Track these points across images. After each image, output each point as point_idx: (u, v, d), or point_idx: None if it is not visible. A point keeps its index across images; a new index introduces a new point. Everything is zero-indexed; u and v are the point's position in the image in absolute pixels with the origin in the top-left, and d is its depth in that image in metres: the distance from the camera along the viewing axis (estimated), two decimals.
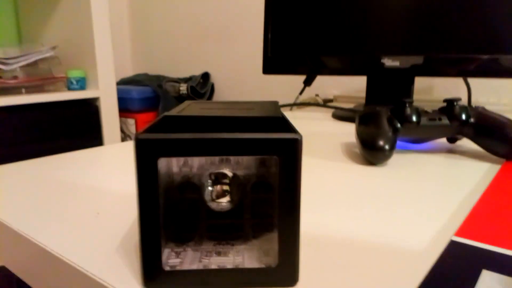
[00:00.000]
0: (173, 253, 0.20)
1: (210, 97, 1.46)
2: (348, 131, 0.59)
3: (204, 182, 0.22)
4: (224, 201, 0.22)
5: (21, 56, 1.01)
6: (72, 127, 1.08)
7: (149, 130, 0.18)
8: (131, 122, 1.23)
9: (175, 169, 0.24)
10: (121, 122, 1.23)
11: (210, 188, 0.22)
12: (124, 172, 0.37)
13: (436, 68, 0.64)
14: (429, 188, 0.33)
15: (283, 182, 0.18)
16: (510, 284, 0.18)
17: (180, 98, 1.35)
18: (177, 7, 1.56)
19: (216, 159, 0.24)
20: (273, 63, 0.76)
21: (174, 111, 0.23)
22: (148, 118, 1.25)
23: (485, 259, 0.20)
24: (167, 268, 0.18)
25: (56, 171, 0.38)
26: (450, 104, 0.42)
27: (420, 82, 0.99)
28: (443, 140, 0.50)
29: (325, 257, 0.22)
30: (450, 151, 0.45)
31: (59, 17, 1.17)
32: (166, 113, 0.22)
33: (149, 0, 1.65)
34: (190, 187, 0.25)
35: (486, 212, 0.27)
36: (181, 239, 0.22)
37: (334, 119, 0.73)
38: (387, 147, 0.39)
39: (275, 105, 0.28)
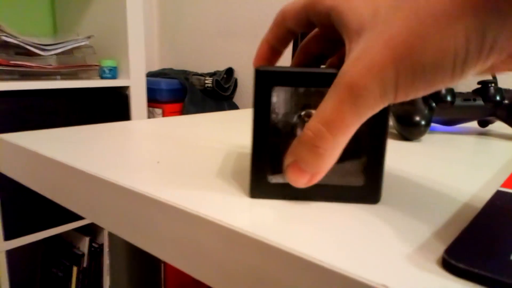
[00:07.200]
0: None
1: (233, 92, 1.49)
2: None
3: (296, 123, 0.24)
4: None
5: (58, 43, 1.06)
6: (103, 113, 1.12)
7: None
8: (158, 111, 1.27)
9: None
10: (148, 111, 1.27)
11: (301, 125, 0.24)
12: (166, 136, 0.40)
13: None
14: (468, 158, 0.34)
15: None
16: None
17: (205, 91, 1.38)
18: (203, 5, 1.60)
19: (299, 107, 0.26)
20: None
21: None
22: (174, 109, 1.29)
23: None
24: (273, 181, 0.22)
25: (103, 133, 0.41)
26: (485, 85, 0.44)
27: None
28: (474, 124, 0.52)
29: (398, 185, 0.23)
30: (482, 134, 0.47)
31: (94, 9, 1.22)
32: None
33: None
34: (275, 132, 0.27)
35: None
36: (270, 172, 0.25)
37: None
38: (423, 122, 0.40)
39: None
